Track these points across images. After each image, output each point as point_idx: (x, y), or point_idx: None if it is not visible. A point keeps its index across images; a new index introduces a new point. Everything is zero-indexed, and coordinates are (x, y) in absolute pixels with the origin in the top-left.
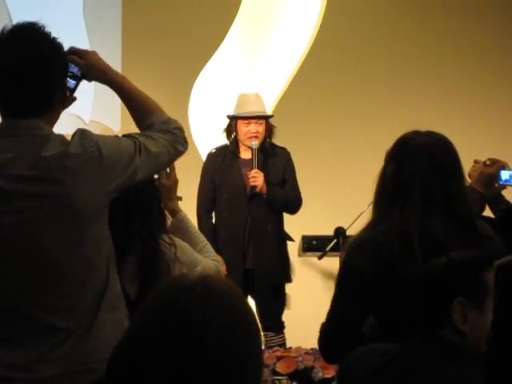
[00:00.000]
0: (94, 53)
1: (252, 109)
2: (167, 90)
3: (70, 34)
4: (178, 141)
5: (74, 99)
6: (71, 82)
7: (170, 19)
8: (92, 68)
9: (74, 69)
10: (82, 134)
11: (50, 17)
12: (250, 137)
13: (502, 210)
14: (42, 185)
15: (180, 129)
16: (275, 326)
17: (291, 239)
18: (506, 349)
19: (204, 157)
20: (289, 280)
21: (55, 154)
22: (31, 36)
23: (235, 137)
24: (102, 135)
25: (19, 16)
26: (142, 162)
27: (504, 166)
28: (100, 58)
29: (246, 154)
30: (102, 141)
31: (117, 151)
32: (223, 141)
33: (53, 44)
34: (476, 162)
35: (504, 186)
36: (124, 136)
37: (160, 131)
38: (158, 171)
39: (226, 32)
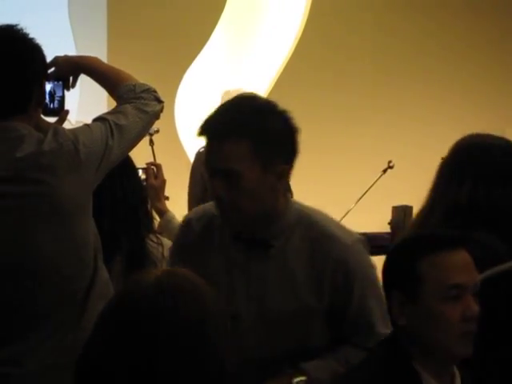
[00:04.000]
0: (57, 56)
1: None
2: None
3: (56, 36)
4: (147, 104)
5: (67, 112)
6: (57, 96)
7: (155, 20)
8: (61, 67)
9: (53, 86)
10: (55, 131)
11: (35, 20)
12: None
13: None
14: (18, 185)
15: (147, 90)
16: None
17: None
18: (493, 361)
19: (191, 156)
20: None
21: (30, 153)
22: (7, 36)
23: None
24: (73, 128)
25: (4, 19)
26: (115, 141)
27: None
28: (65, 56)
29: None
30: (75, 134)
31: (91, 141)
32: None
33: (29, 44)
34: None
35: None
36: (94, 120)
37: (127, 101)
38: (136, 141)
39: (212, 31)
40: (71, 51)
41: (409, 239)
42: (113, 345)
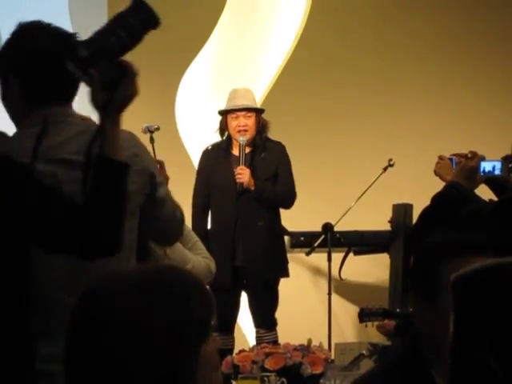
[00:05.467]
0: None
1: (240, 102)
2: (153, 87)
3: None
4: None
5: None
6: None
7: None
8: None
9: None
10: (128, 132)
11: (34, 13)
12: (240, 130)
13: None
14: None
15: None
16: (267, 323)
17: (288, 233)
18: (467, 364)
19: (191, 153)
20: (284, 275)
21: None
22: (45, 28)
23: (228, 133)
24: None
25: (2, 10)
26: (163, 192)
27: (484, 158)
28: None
29: (238, 151)
30: (139, 147)
31: (150, 161)
32: (211, 138)
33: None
34: (441, 158)
35: (485, 177)
36: None
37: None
38: (163, 212)
39: (214, 27)
40: None
41: (434, 243)
42: (81, 343)
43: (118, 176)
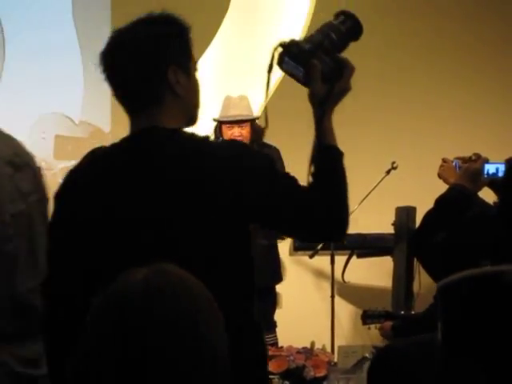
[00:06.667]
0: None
1: (234, 112)
2: None
3: (59, 30)
4: None
5: None
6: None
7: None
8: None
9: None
10: None
11: (37, 15)
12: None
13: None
14: None
15: None
16: (267, 325)
17: (281, 238)
18: (454, 369)
19: None
20: (280, 280)
21: None
22: None
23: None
24: None
25: (8, 12)
26: None
27: (487, 160)
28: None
29: None
30: None
31: None
32: None
33: None
34: (445, 160)
35: (488, 180)
36: None
37: None
38: None
39: (217, 30)
40: (72, 39)
41: None
42: (96, 354)
43: (342, 162)
